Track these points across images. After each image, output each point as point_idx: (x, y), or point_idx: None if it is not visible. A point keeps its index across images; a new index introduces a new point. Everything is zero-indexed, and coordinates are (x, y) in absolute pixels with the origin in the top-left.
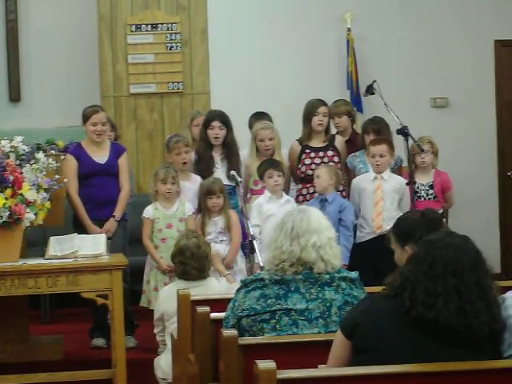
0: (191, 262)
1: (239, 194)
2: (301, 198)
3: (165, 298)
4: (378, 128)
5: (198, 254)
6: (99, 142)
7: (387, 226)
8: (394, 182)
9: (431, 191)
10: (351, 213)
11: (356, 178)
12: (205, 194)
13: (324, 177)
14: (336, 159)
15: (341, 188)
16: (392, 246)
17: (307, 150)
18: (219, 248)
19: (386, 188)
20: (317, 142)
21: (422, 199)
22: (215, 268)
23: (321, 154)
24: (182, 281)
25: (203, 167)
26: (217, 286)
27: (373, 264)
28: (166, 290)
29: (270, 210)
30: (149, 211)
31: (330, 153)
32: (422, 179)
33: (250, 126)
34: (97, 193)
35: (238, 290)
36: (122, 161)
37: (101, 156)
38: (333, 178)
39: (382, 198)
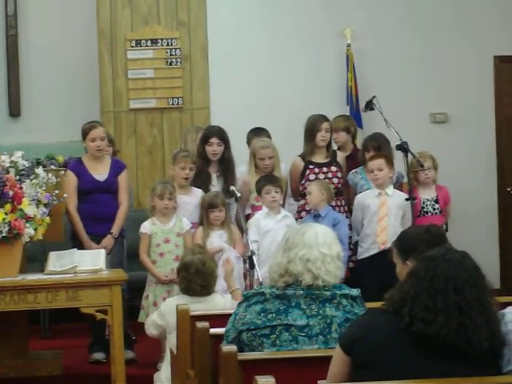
0: (195, 278)
1: (239, 209)
2: (304, 213)
3: (169, 310)
4: (378, 145)
5: (203, 271)
6: (99, 157)
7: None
8: (398, 198)
9: (437, 205)
10: (345, 227)
11: (360, 194)
12: (207, 207)
13: (315, 193)
14: (339, 174)
15: (343, 203)
16: (394, 259)
17: (311, 166)
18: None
19: (391, 204)
20: (320, 158)
21: (429, 214)
22: (226, 282)
23: (324, 169)
24: (186, 296)
25: (201, 183)
26: (221, 302)
27: (378, 279)
28: (170, 301)
29: (267, 226)
30: (146, 227)
31: (333, 168)
32: (427, 194)
33: (248, 142)
34: (96, 209)
35: (240, 304)
36: (122, 178)
37: (101, 173)
38: (324, 193)
39: (386, 214)
